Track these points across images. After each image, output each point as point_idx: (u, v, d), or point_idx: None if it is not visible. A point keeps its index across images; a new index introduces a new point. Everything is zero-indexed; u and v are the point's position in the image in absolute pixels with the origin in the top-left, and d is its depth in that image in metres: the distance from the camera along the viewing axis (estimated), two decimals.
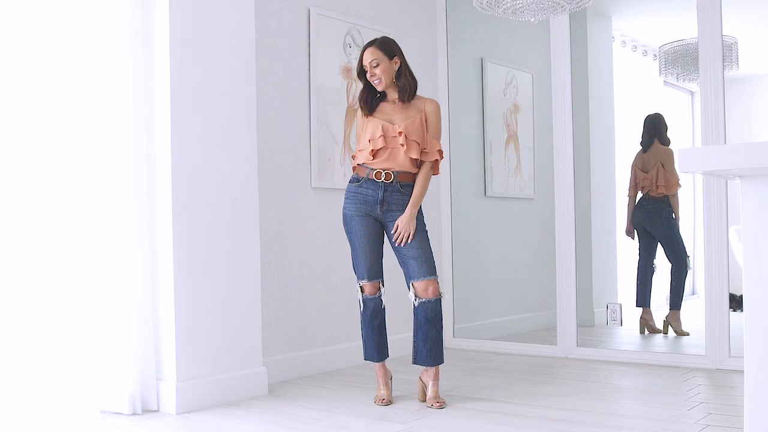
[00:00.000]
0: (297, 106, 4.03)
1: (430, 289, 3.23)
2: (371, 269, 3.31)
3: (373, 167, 3.26)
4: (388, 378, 3.38)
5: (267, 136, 3.84)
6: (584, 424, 2.87)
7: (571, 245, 4.37)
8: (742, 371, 1.53)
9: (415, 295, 3.24)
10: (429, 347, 3.26)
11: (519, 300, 5.35)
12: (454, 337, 4.83)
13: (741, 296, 4.04)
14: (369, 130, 3.27)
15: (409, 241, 3.23)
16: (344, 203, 3.33)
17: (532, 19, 3.46)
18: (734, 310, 3.98)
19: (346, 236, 3.38)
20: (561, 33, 4.43)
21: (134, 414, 3.09)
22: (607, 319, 4.62)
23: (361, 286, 3.33)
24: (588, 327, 4.74)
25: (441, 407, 3.18)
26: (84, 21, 3.11)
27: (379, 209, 3.26)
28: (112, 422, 2.98)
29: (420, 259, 3.24)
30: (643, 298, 4.77)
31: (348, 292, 4.26)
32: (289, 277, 3.94)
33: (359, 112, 3.36)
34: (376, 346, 3.36)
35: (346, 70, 4.31)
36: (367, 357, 3.39)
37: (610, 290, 5.13)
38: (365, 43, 3.38)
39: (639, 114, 5.18)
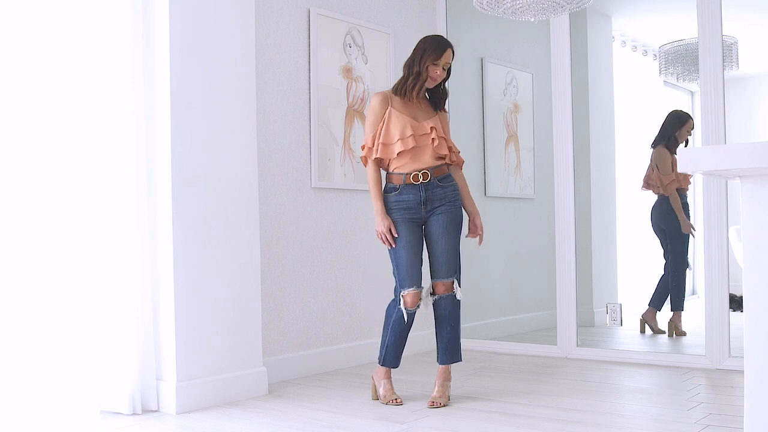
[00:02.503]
0: (297, 106, 4.03)
1: (443, 287, 3.25)
2: (419, 277, 3.24)
3: (406, 171, 3.24)
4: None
5: (267, 136, 3.84)
6: (584, 424, 2.87)
7: (571, 245, 4.37)
8: (742, 371, 1.53)
9: (435, 293, 3.26)
10: (445, 345, 3.28)
11: (519, 300, 5.35)
12: None
13: (741, 296, 4.04)
14: (397, 125, 3.23)
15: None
16: (387, 209, 3.26)
17: (532, 19, 3.46)
18: (734, 310, 3.98)
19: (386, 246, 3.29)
20: (561, 33, 4.43)
21: (134, 414, 3.09)
22: (607, 319, 4.62)
23: (403, 297, 3.21)
24: (588, 327, 4.74)
25: (432, 407, 3.17)
26: (84, 21, 3.11)
27: (424, 210, 3.26)
28: (112, 422, 2.98)
29: (443, 258, 3.25)
30: (660, 299, 4.76)
31: (348, 292, 4.26)
32: (289, 277, 3.94)
33: (377, 98, 3.29)
34: (398, 354, 3.33)
35: (346, 70, 4.31)
36: (386, 363, 3.32)
37: (610, 290, 5.13)
38: (442, 39, 3.31)
39: (639, 114, 5.17)
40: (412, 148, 3.23)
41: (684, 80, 4.95)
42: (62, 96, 3.08)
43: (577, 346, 4.36)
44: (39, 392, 2.97)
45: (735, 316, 3.95)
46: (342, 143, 4.25)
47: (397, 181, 3.26)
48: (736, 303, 4.12)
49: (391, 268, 3.30)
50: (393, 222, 3.24)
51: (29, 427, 2.87)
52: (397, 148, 3.22)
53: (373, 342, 4.32)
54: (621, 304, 4.58)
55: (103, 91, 3.14)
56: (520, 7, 3.39)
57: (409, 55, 3.35)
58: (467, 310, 4.93)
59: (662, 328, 4.73)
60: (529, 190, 5.43)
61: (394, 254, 3.25)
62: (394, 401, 3.25)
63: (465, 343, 4.78)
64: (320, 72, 4.14)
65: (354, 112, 4.33)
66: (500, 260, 5.31)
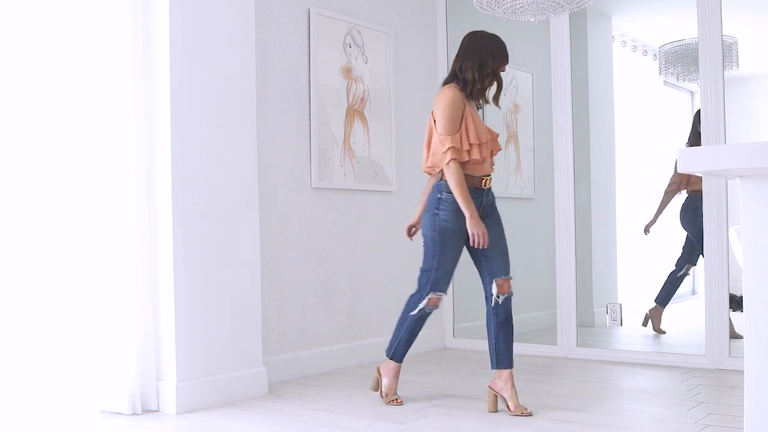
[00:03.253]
0: (297, 106, 4.03)
1: (508, 284, 3.24)
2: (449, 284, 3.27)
3: (478, 175, 3.15)
4: None
5: (267, 136, 3.84)
6: (584, 424, 2.87)
7: (571, 245, 4.37)
8: (742, 371, 1.53)
9: (499, 293, 3.20)
10: (510, 347, 3.23)
11: (519, 300, 5.32)
12: (454, 337, 4.83)
13: (741, 296, 4.04)
14: (479, 127, 3.13)
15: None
16: (444, 215, 3.13)
17: (532, 19, 3.46)
18: (734, 310, 3.98)
19: (430, 245, 3.17)
20: (561, 33, 4.43)
21: (134, 414, 3.09)
22: (607, 319, 4.62)
23: (430, 298, 3.20)
24: (588, 327, 4.74)
25: (526, 412, 3.03)
26: (84, 21, 3.11)
27: (480, 215, 3.16)
28: (112, 422, 2.98)
29: (505, 257, 3.24)
30: (665, 296, 4.76)
31: (348, 292, 4.26)
32: (289, 277, 3.94)
33: (456, 94, 3.12)
34: (407, 350, 3.32)
35: (346, 70, 4.30)
36: (395, 357, 3.29)
37: (610, 290, 5.13)
38: (502, 40, 3.24)
39: (639, 114, 5.18)
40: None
41: (684, 80, 4.95)
42: (62, 96, 3.08)
43: (577, 346, 4.36)
44: (39, 392, 2.97)
45: (735, 316, 3.95)
46: (342, 143, 4.25)
47: (469, 183, 3.13)
48: (736, 303, 4.12)
49: (424, 264, 3.21)
50: (450, 230, 3.14)
51: (29, 427, 2.87)
52: (486, 151, 3.15)
53: (372, 342, 4.32)
54: (621, 304, 4.58)
55: (103, 91, 3.14)
56: (520, 7, 3.39)
57: (468, 54, 3.20)
58: (467, 310, 4.95)
59: (664, 329, 4.72)
60: (529, 190, 5.43)
61: (440, 255, 3.15)
62: (395, 401, 3.25)
63: (465, 343, 4.80)
64: (320, 72, 4.14)
65: (354, 112, 4.33)
66: None
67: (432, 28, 4.89)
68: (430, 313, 3.28)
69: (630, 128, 5.12)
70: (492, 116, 5.23)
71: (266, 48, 3.86)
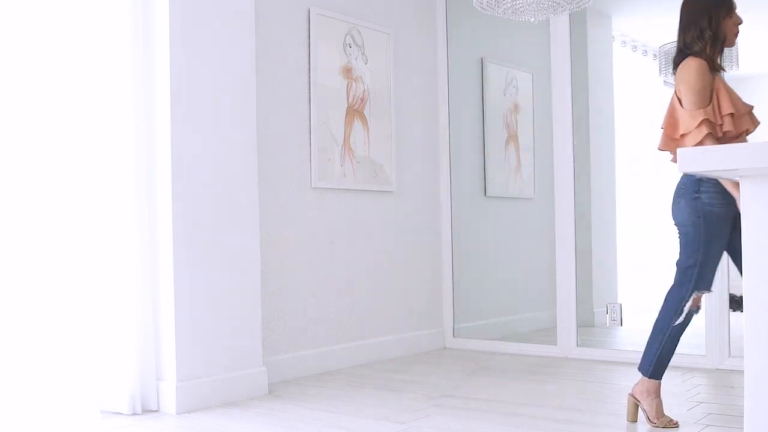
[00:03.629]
0: (297, 106, 4.03)
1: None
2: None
3: None
4: None
5: (267, 136, 3.84)
6: (584, 424, 2.87)
7: (571, 245, 4.37)
8: (742, 371, 1.53)
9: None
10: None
11: (519, 300, 5.35)
12: (454, 337, 4.83)
13: (741, 296, 4.03)
14: (734, 98, 2.75)
15: None
16: (708, 197, 2.69)
17: (532, 19, 3.46)
18: (734, 310, 3.98)
19: (693, 235, 2.74)
20: (561, 33, 4.43)
21: (134, 414, 3.09)
22: (607, 319, 4.63)
23: (694, 297, 2.77)
24: (588, 327, 4.74)
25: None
26: (84, 21, 3.11)
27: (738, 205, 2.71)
28: (112, 422, 2.98)
29: None
30: None
31: (348, 292, 4.25)
32: (289, 277, 3.94)
33: (703, 65, 2.76)
34: (669, 362, 2.88)
35: (346, 70, 4.30)
36: (655, 374, 2.83)
37: (610, 290, 5.13)
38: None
39: (639, 114, 5.18)
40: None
41: None
42: (62, 96, 3.09)
43: (577, 346, 4.36)
44: (39, 392, 2.97)
45: (735, 316, 3.95)
46: (342, 143, 4.25)
47: None
48: (736, 303, 4.12)
49: (685, 259, 2.78)
50: (716, 215, 2.70)
51: (29, 427, 2.87)
52: (747, 123, 2.75)
53: (372, 342, 4.32)
54: (621, 304, 4.58)
55: (103, 90, 3.14)
56: (520, 7, 3.40)
57: (686, 26, 2.90)
58: (467, 310, 4.95)
59: None
60: (529, 190, 5.43)
61: (706, 246, 2.73)
62: (671, 423, 2.80)
63: (465, 343, 4.80)
64: (320, 72, 4.14)
65: (354, 112, 4.33)
66: (500, 260, 5.31)
67: (432, 28, 4.89)
68: (692, 318, 2.82)
69: (630, 128, 5.12)
70: (492, 116, 5.23)
71: (266, 48, 3.86)
